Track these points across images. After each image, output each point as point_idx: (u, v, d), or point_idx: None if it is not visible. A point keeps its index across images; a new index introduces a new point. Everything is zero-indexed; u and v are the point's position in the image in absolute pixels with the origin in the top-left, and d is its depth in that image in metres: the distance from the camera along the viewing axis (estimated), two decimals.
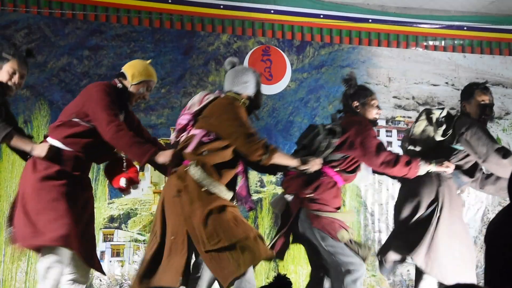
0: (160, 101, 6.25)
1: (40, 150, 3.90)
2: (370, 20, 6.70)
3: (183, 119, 3.99)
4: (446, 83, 6.96)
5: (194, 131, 3.91)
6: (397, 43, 6.80)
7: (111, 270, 5.88)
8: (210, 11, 6.35)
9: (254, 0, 6.45)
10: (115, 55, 6.15)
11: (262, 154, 3.86)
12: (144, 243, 5.99)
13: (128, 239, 5.99)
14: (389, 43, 6.79)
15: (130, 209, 6.04)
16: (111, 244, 5.91)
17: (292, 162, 4.07)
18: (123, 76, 4.13)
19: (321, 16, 6.60)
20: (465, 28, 6.85)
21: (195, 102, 4.02)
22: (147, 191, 6.13)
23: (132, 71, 4.11)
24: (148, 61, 4.25)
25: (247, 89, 4.03)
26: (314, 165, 4.12)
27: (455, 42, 6.91)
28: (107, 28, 6.14)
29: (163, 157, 3.90)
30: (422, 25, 6.82)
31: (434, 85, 6.94)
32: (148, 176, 6.13)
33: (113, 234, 5.95)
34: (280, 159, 3.96)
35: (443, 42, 6.89)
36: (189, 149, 3.86)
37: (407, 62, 6.87)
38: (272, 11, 6.50)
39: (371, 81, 6.75)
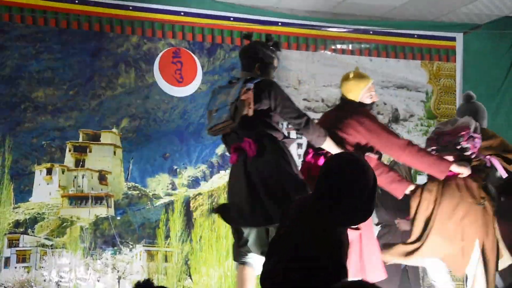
0: (68, 103, 6.13)
1: None
2: (279, 23, 6.80)
3: (477, 143, 4.64)
4: None
5: (493, 160, 4.70)
6: (306, 46, 6.93)
7: (16, 276, 5.71)
8: (119, 12, 6.26)
9: (164, 2, 6.42)
10: (20, 55, 5.97)
11: None
12: (51, 248, 5.85)
13: (35, 244, 5.83)
14: (298, 46, 6.91)
15: (37, 213, 5.90)
16: (16, 250, 5.75)
17: None
18: (344, 100, 4.55)
19: (231, 18, 6.64)
20: (371, 32, 7.05)
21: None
22: (55, 194, 6.00)
23: (349, 88, 4.56)
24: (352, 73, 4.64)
25: None
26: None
27: (362, 46, 7.11)
28: (11, 28, 5.95)
29: (464, 169, 4.56)
30: (330, 29, 6.97)
31: None
32: (56, 180, 6.01)
33: (18, 240, 5.78)
34: None
35: (350, 45, 7.07)
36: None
37: (316, 65, 7.01)
38: (182, 13, 6.48)
39: (282, 84, 6.80)
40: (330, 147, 4.23)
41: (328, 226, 2.87)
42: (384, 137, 4.36)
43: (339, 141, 4.31)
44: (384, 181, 4.44)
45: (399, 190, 4.55)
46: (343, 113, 4.48)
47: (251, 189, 3.94)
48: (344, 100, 4.61)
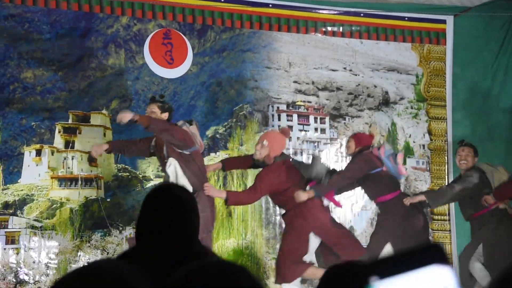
0: (57, 84, 6.08)
1: None
2: (270, 5, 6.76)
3: None
4: (344, 68, 7.13)
5: None
6: (297, 28, 6.90)
7: (5, 258, 5.68)
8: None
9: None
10: (9, 36, 5.91)
11: None
12: (41, 230, 5.83)
13: (24, 226, 5.80)
14: (289, 28, 6.88)
15: (26, 195, 5.86)
16: (5, 231, 5.71)
17: None
18: None
19: (222, 0, 6.60)
20: (361, 14, 7.03)
21: None
22: (44, 176, 5.97)
23: None
24: None
25: None
26: None
27: (353, 28, 7.09)
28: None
29: None
30: (321, 11, 6.95)
31: (333, 70, 7.10)
32: (45, 161, 5.97)
33: (7, 221, 5.75)
34: None
35: (341, 28, 7.05)
36: None
37: (306, 47, 6.99)
38: None
39: (272, 66, 6.84)
40: None
41: None
42: None
43: None
44: None
45: None
46: None
47: None
48: None
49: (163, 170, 5.42)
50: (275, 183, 5.40)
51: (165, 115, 5.36)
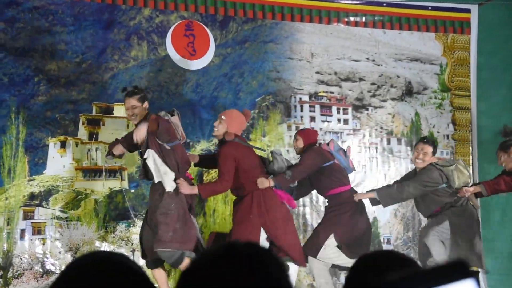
0: (81, 76, 6.13)
1: None
2: None
3: None
4: (367, 58, 7.10)
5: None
6: (319, 19, 6.88)
7: (32, 248, 5.77)
8: None
9: None
10: (33, 28, 5.97)
11: None
12: (66, 221, 5.90)
13: (50, 217, 5.88)
14: (311, 19, 6.86)
15: (52, 186, 5.93)
16: (31, 222, 5.79)
17: None
18: None
19: None
20: (384, 4, 6.99)
21: None
22: (69, 167, 6.03)
23: None
24: None
25: None
26: None
27: (375, 18, 7.05)
28: (24, 0, 5.95)
29: None
30: (343, 1, 6.92)
31: (356, 60, 7.07)
32: (70, 153, 6.03)
33: (33, 212, 5.83)
34: None
35: (363, 18, 7.02)
36: None
37: (329, 37, 6.97)
38: None
39: (294, 57, 6.82)
40: None
41: None
42: None
43: None
44: None
45: None
46: None
47: None
48: None
49: (142, 163, 5.05)
50: (236, 157, 5.11)
51: (145, 105, 4.95)
